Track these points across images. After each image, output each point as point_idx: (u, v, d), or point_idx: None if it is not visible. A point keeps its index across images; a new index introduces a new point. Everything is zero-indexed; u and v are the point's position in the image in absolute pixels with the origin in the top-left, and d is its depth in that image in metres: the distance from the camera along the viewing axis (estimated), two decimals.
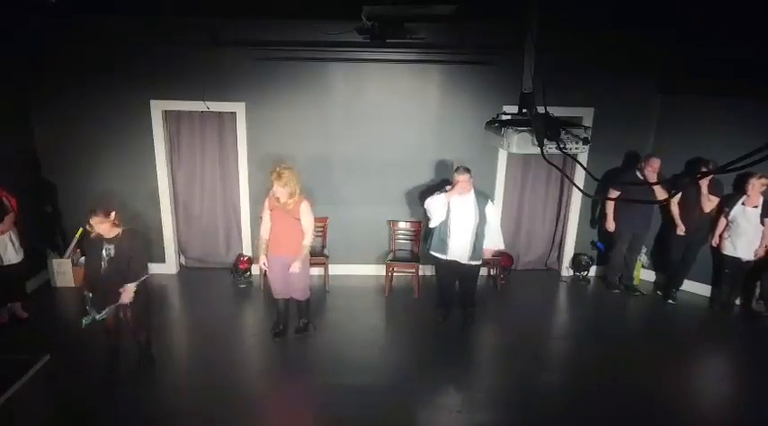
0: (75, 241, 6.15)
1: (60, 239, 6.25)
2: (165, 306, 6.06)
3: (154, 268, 6.52)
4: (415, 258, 6.30)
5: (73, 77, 5.84)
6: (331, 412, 4.15)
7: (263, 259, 4.90)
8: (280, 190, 4.65)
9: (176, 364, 4.86)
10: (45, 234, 6.15)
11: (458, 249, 5.17)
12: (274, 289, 5.04)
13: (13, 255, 5.16)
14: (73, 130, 6.02)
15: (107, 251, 4.18)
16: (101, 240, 4.16)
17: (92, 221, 4.09)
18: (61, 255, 6.16)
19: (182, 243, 6.76)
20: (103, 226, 4.11)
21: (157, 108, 6.05)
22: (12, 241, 5.15)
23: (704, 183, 5.60)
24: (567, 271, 6.86)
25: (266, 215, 4.87)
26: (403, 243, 6.48)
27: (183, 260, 6.83)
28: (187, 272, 6.73)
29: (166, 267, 6.59)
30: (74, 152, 6.09)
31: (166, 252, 6.55)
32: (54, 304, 5.80)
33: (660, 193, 5.86)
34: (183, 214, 6.65)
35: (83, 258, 6.22)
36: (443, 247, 5.22)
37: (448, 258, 5.24)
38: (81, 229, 6.19)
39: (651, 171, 5.80)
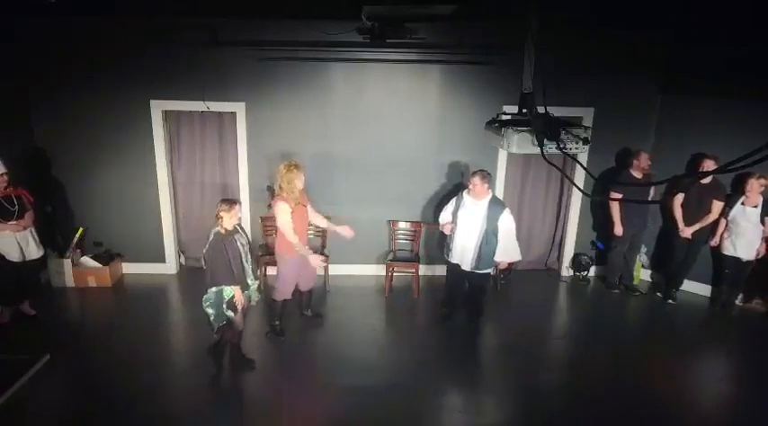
0: (75, 240, 6.15)
1: (60, 239, 6.25)
2: (166, 306, 6.06)
3: (153, 268, 6.56)
4: (415, 258, 6.30)
5: (73, 77, 5.84)
6: (331, 412, 4.15)
7: (318, 257, 4.87)
8: (301, 179, 4.76)
9: (176, 364, 4.86)
10: (45, 233, 6.14)
11: (459, 254, 5.11)
12: (286, 290, 5.03)
13: (34, 250, 5.27)
14: (73, 130, 6.02)
15: (241, 243, 4.28)
16: (232, 234, 4.23)
17: (228, 214, 4.15)
18: (61, 255, 6.16)
19: (182, 243, 6.76)
20: (236, 217, 4.25)
21: (157, 108, 6.04)
22: (33, 236, 5.25)
23: (715, 209, 5.66)
24: (567, 271, 6.86)
25: (289, 217, 4.73)
26: (403, 243, 6.48)
27: (183, 260, 6.83)
28: (187, 272, 6.72)
29: (166, 267, 6.59)
30: (74, 152, 6.08)
31: (166, 252, 6.55)
32: (54, 304, 5.78)
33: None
34: (183, 214, 6.65)
35: (83, 258, 6.24)
36: (447, 250, 5.25)
37: (451, 261, 5.23)
38: (81, 229, 6.21)
39: (644, 166, 5.84)
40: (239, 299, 4.27)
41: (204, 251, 4.23)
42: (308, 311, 5.45)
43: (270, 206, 5.21)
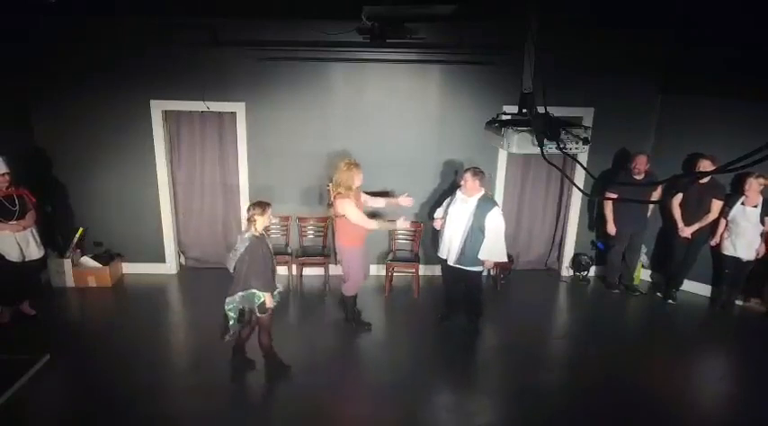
0: (75, 240, 6.15)
1: (60, 239, 6.25)
2: (166, 306, 6.06)
3: (153, 268, 6.56)
4: (415, 258, 6.30)
5: (73, 77, 5.84)
6: (330, 412, 4.15)
7: (403, 218, 5.15)
8: (359, 178, 5.03)
9: (176, 364, 4.87)
10: (45, 233, 6.14)
11: (446, 248, 5.14)
12: (358, 283, 5.24)
13: (35, 251, 5.28)
14: (72, 130, 6.02)
15: (269, 245, 4.32)
16: (263, 237, 4.27)
17: (261, 217, 4.17)
18: (61, 255, 6.16)
19: (182, 243, 6.76)
20: (269, 220, 4.28)
21: (157, 108, 6.04)
22: (34, 237, 5.26)
23: (715, 208, 5.67)
24: (567, 271, 6.86)
25: (361, 213, 4.99)
26: (403, 243, 6.48)
27: (183, 260, 6.83)
28: (187, 272, 6.73)
29: (166, 267, 6.59)
30: (73, 152, 6.08)
31: (166, 252, 6.55)
32: (54, 304, 5.78)
33: (659, 193, 5.92)
34: (183, 214, 6.65)
35: (83, 258, 6.24)
36: (436, 244, 5.31)
37: (440, 256, 5.27)
38: (81, 229, 6.21)
39: (638, 168, 5.82)
40: (270, 302, 4.27)
41: (236, 255, 4.17)
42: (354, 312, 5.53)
43: (330, 205, 5.33)
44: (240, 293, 4.20)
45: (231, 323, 4.29)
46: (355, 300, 5.38)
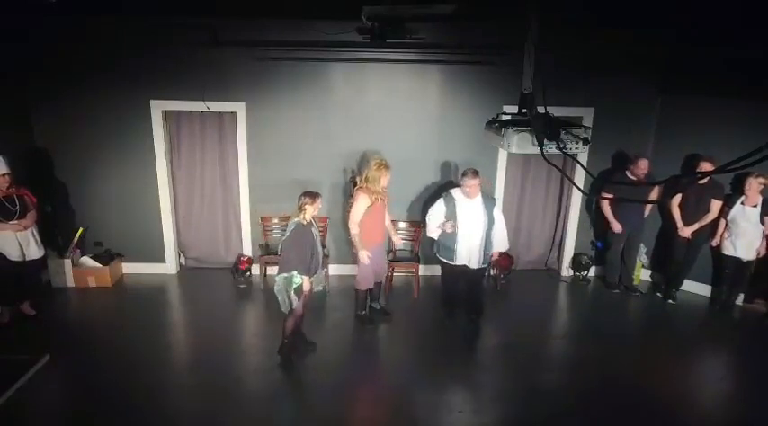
0: (75, 240, 6.15)
1: (60, 239, 6.24)
2: (166, 306, 6.06)
3: (153, 268, 6.56)
4: (415, 258, 6.30)
5: (73, 77, 5.84)
6: (330, 412, 4.15)
7: (366, 253, 5.08)
8: (387, 178, 5.07)
9: (176, 364, 4.87)
10: (45, 233, 6.14)
11: (467, 254, 5.12)
12: (367, 280, 5.29)
13: (35, 251, 5.29)
14: (72, 130, 6.02)
15: (315, 235, 4.46)
16: (310, 225, 4.43)
17: (311, 206, 4.36)
18: (61, 255, 6.16)
19: (182, 243, 6.76)
20: (318, 209, 4.45)
21: (157, 108, 6.04)
22: (34, 237, 5.27)
23: (714, 208, 5.69)
24: (567, 271, 6.86)
25: (362, 212, 5.01)
26: (403, 243, 6.47)
27: (183, 260, 6.83)
28: (187, 272, 6.73)
29: (166, 267, 6.59)
30: (73, 152, 6.08)
31: (166, 252, 6.55)
32: (54, 304, 5.79)
33: (656, 193, 5.92)
34: (183, 214, 6.65)
35: (83, 258, 6.24)
36: (450, 253, 5.19)
37: (456, 263, 5.20)
38: (81, 229, 6.20)
39: (639, 172, 5.79)
40: (306, 287, 4.43)
41: (283, 240, 4.42)
42: (377, 304, 5.62)
43: (352, 195, 5.42)
44: (284, 275, 4.38)
45: (281, 304, 4.49)
46: (366, 295, 5.44)
